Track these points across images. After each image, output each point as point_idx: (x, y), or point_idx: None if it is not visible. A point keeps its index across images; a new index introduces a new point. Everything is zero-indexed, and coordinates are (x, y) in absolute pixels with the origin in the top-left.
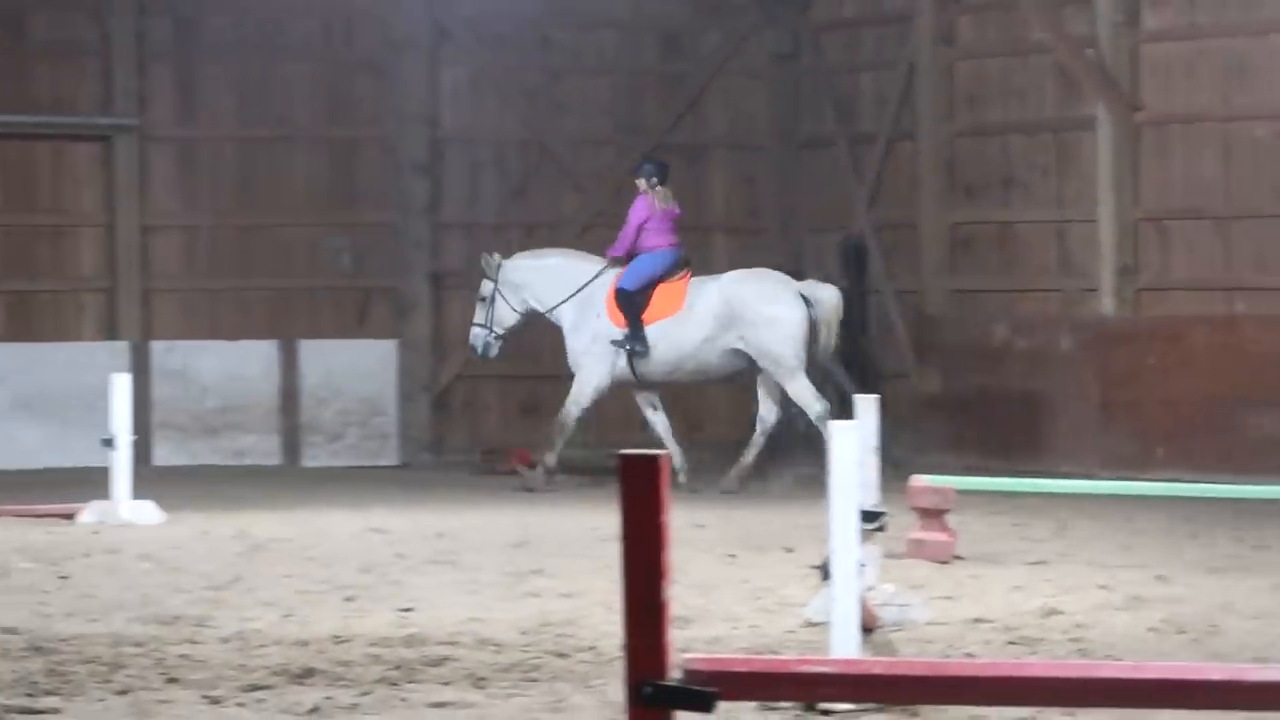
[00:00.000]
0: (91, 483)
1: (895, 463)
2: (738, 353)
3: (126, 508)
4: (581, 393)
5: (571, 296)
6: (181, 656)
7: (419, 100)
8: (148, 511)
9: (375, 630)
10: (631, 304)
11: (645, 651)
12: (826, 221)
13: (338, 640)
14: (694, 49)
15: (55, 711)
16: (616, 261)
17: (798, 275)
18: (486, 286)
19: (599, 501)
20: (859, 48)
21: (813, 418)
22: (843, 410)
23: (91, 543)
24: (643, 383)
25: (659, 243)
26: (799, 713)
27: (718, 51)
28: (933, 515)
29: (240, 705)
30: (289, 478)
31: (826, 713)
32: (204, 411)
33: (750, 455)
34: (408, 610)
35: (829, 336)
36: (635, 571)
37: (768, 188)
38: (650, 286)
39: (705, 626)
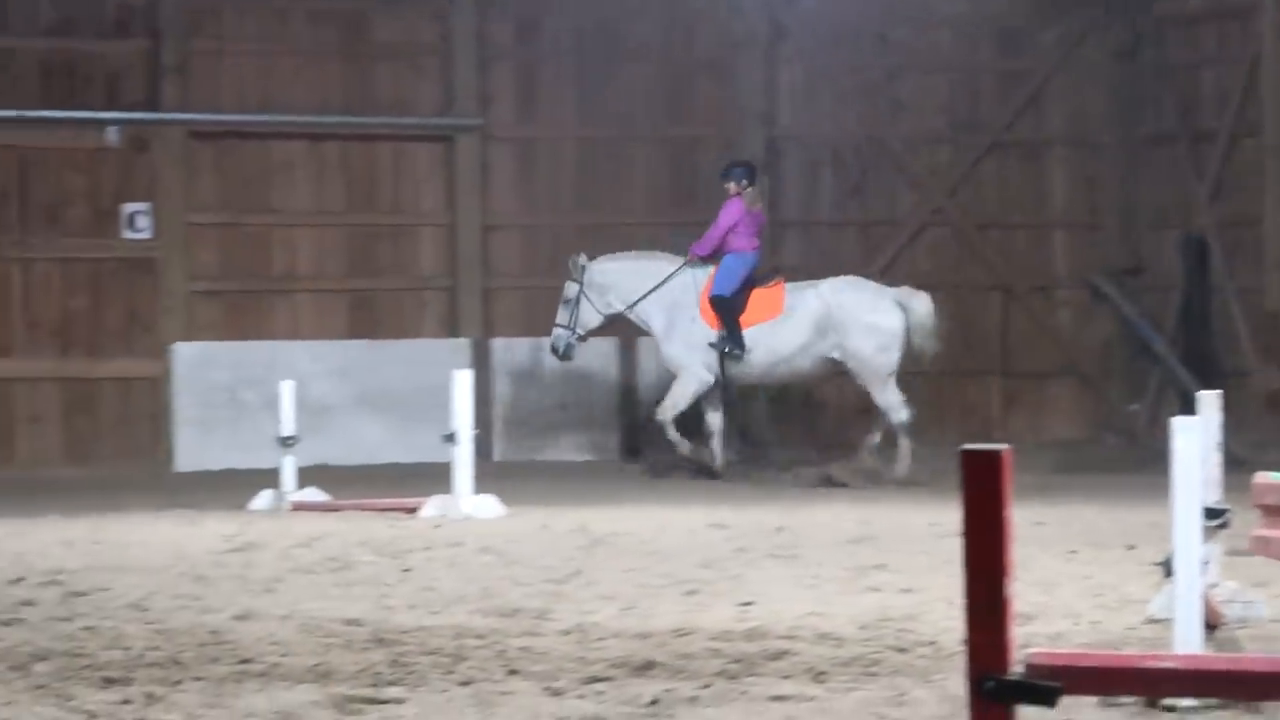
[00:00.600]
0: (433, 477)
1: (1238, 460)
2: (830, 359)
3: (468, 502)
4: (683, 395)
5: (653, 291)
6: (522, 649)
7: (756, 99)
8: (489, 506)
9: (715, 624)
10: (729, 307)
11: (987, 646)
12: (1167, 219)
13: (678, 634)
14: (1032, 45)
15: (399, 701)
16: (700, 260)
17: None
18: (571, 288)
19: (940, 497)
20: (1201, 42)
21: (896, 424)
22: (1185, 408)
23: (433, 536)
24: (730, 385)
25: (746, 245)
26: (1140, 709)
27: (1056, 48)
28: (1276, 513)
29: (580, 697)
30: (628, 473)
31: (1169, 709)
32: (544, 408)
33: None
34: (748, 604)
35: (923, 343)
36: (977, 567)
37: (1107, 185)
38: (745, 289)
39: (1046, 623)
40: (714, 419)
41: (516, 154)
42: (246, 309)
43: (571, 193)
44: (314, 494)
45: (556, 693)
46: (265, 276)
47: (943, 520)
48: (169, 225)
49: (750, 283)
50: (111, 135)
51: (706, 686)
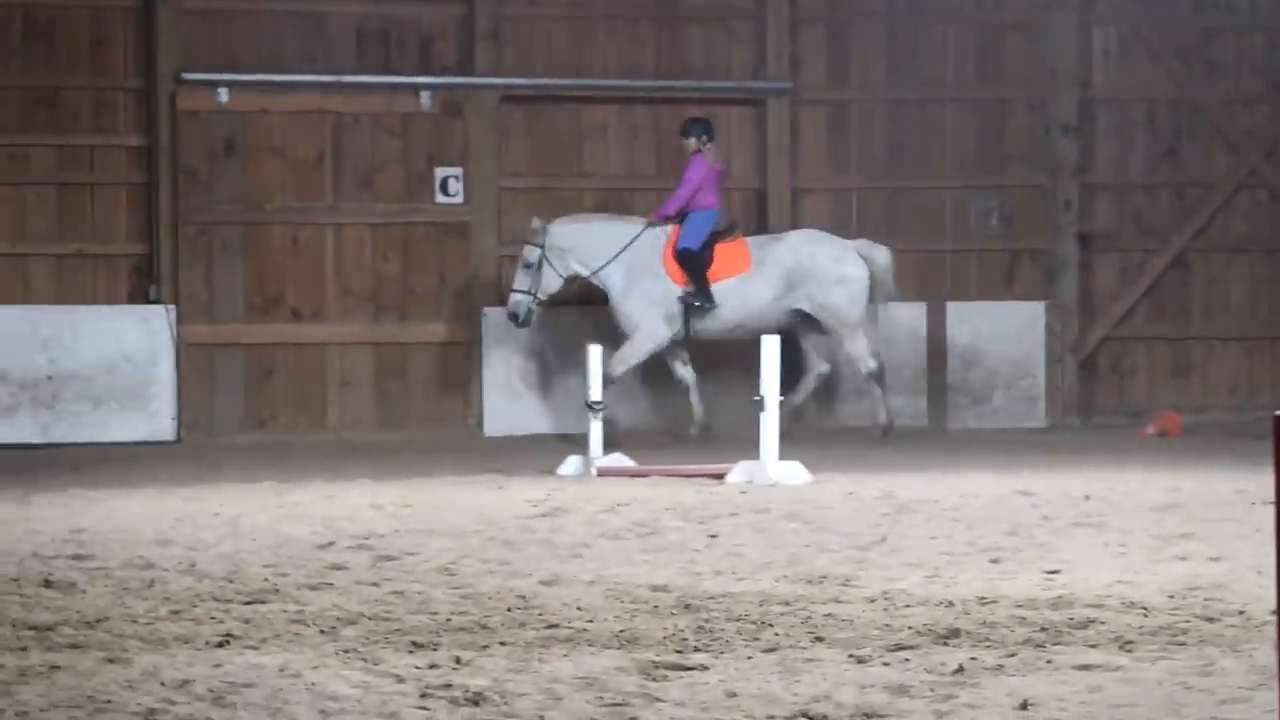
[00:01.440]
0: (740, 443)
1: None
2: (798, 312)
3: (774, 468)
4: (636, 351)
5: (616, 257)
6: (827, 615)
7: (1069, 60)
8: (795, 472)
9: (1021, 592)
10: (697, 261)
11: None
12: None
13: (983, 601)
14: None
15: (704, 668)
16: (660, 221)
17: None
18: (533, 253)
19: (1250, 463)
20: None
21: (865, 372)
22: None
23: (739, 502)
24: (696, 340)
25: (712, 201)
26: None
27: None
28: None
29: (885, 665)
30: (935, 440)
31: None
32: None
33: (800, 398)
34: (1054, 573)
35: (884, 294)
36: None
37: None
38: (709, 244)
39: None
40: (686, 373)
41: (827, 117)
42: None
43: (881, 156)
44: (620, 459)
45: (861, 660)
46: None
47: (1250, 487)
48: (481, 190)
49: (713, 238)
50: (425, 100)
51: (1012, 655)
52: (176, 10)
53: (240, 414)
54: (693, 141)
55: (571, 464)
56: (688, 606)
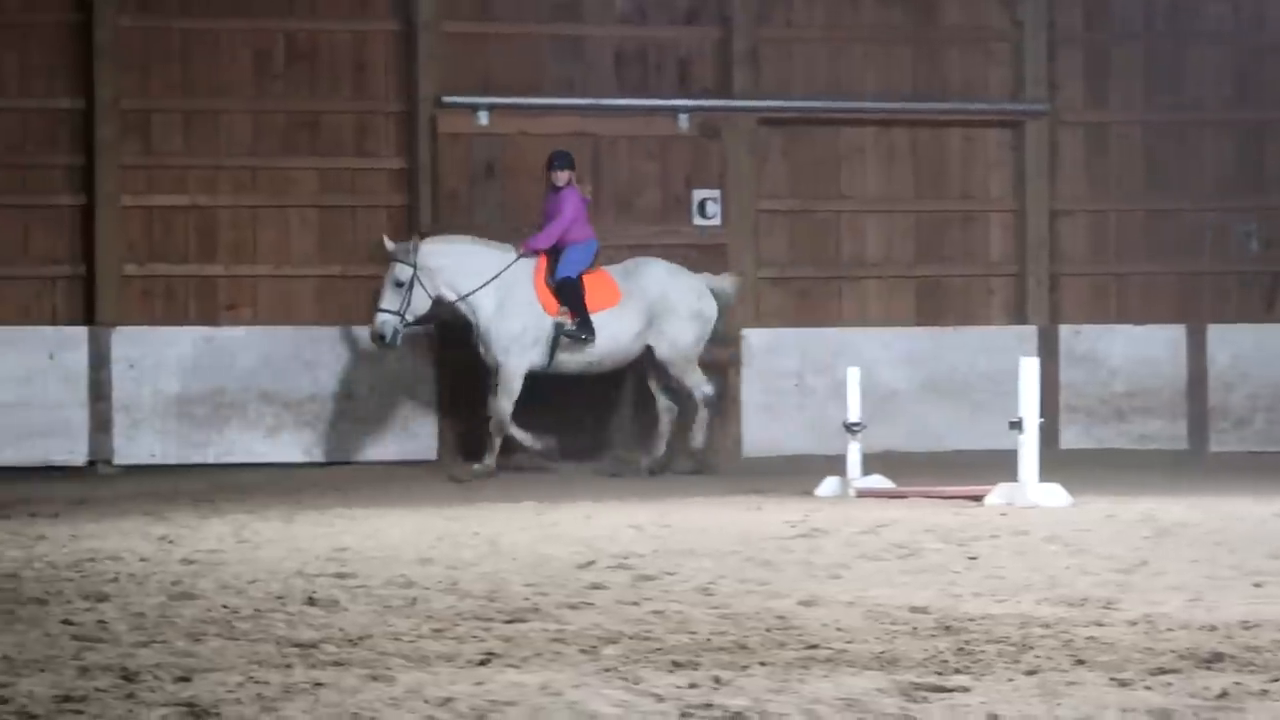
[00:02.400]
0: (998, 465)
1: None
2: (647, 346)
3: (1034, 490)
4: (510, 385)
5: (487, 284)
6: (1089, 639)
7: None
8: (1055, 494)
9: None
10: (578, 292)
11: None
12: None
13: (1246, 626)
14: None
15: (964, 690)
16: (531, 254)
17: None
18: (404, 271)
19: None
20: None
21: (700, 398)
22: None
23: (999, 524)
24: (555, 372)
25: (588, 232)
26: None
27: None
28: None
29: (1148, 689)
30: (1194, 463)
31: None
32: (1111, 395)
33: (664, 442)
34: None
35: (720, 326)
36: None
37: None
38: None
39: None
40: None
41: (1085, 139)
42: (814, 295)
43: (1140, 178)
44: (879, 481)
45: (1123, 683)
46: (833, 263)
47: None
48: (739, 211)
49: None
50: (683, 122)
51: (1276, 680)
52: (437, 34)
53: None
54: (565, 175)
55: (829, 485)
56: (948, 628)
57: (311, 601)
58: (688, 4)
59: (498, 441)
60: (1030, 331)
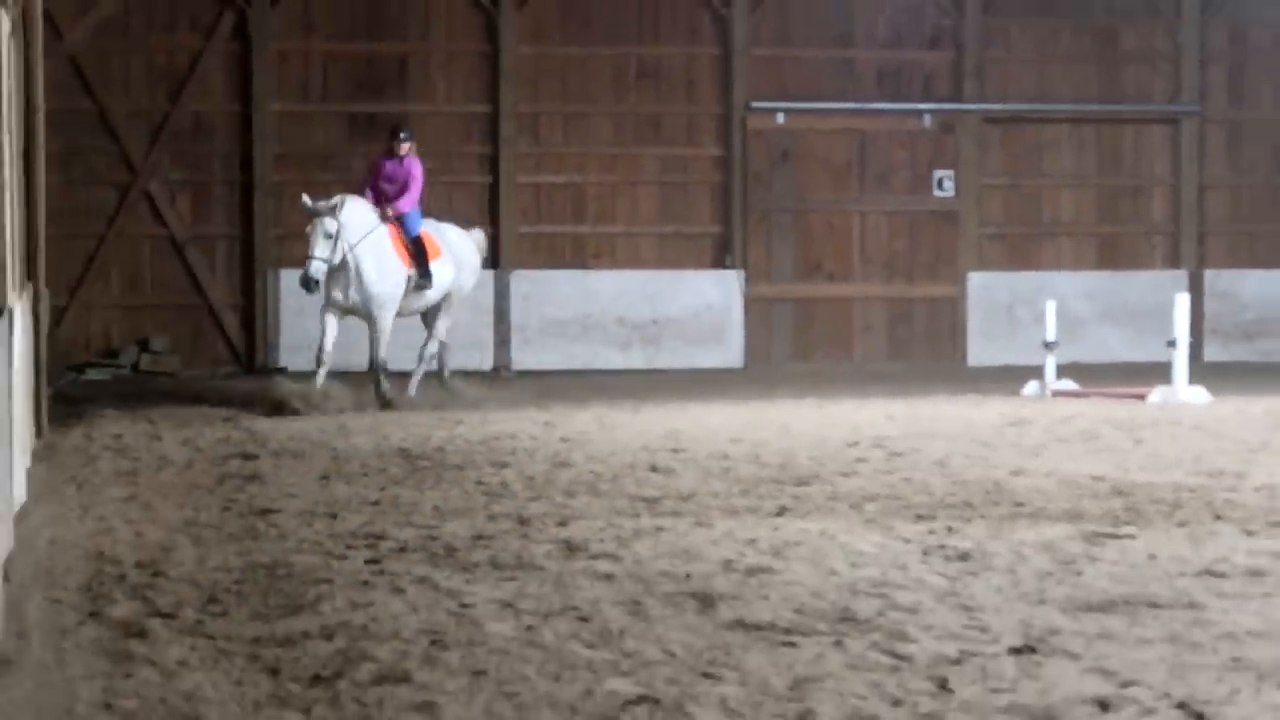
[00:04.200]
0: (1158, 373)
1: None
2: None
3: (1184, 391)
4: (388, 329)
5: (365, 238)
6: (1225, 500)
7: None
8: (1199, 394)
9: None
10: (422, 248)
11: None
12: None
13: None
14: None
15: (1131, 537)
16: (396, 214)
17: None
18: (332, 225)
19: None
20: None
21: (444, 337)
22: None
23: (1157, 416)
24: (400, 316)
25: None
26: None
27: None
28: None
29: (1269, 537)
30: None
31: None
32: (1243, 322)
33: (421, 371)
34: None
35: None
36: None
37: None
38: None
39: None
40: (331, 341)
41: (1226, 132)
42: (1022, 248)
43: (1267, 161)
44: (1069, 384)
45: (1250, 534)
46: (1037, 224)
47: None
48: (967, 187)
49: None
50: (926, 121)
51: None
52: (748, 56)
53: (790, 349)
54: (408, 144)
55: (1032, 387)
56: (1119, 492)
57: (654, 469)
58: (931, 32)
59: (385, 379)
60: (1182, 275)
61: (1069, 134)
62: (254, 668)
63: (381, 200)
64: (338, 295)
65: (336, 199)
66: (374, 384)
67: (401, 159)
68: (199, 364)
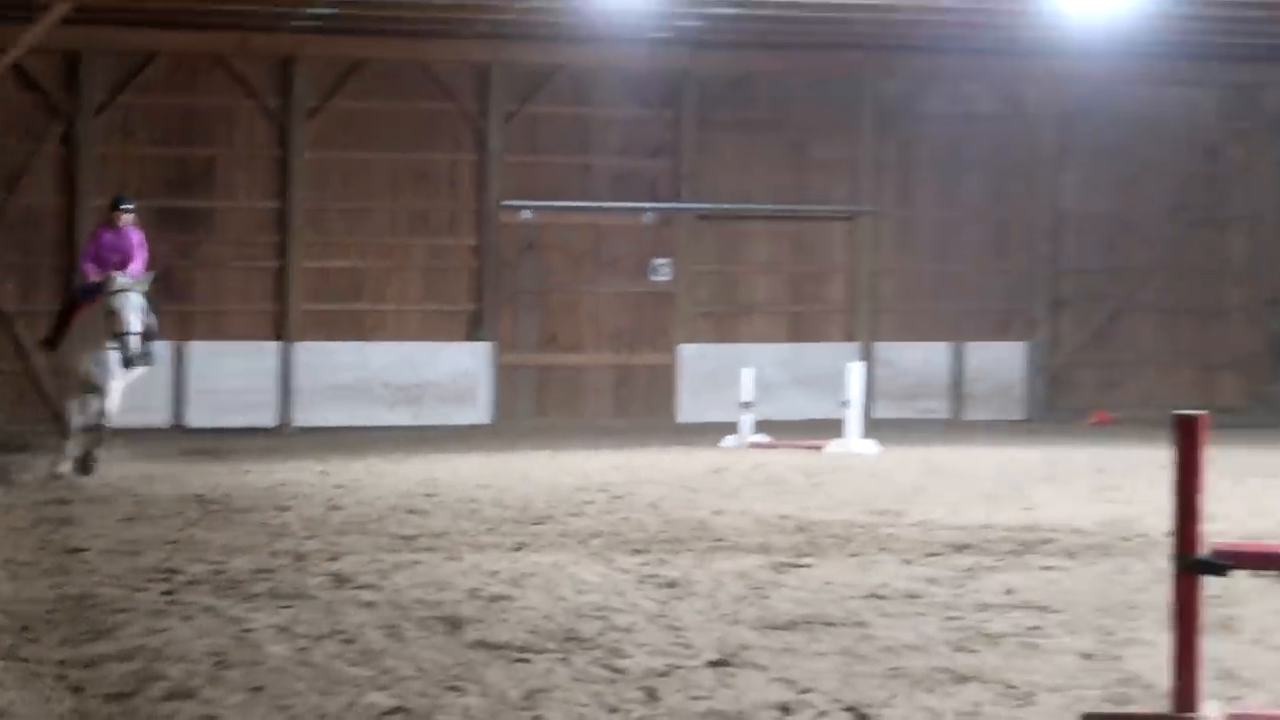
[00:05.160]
0: (836, 428)
1: None
2: None
3: (855, 443)
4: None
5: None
6: (888, 534)
7: (1048, 191)
8: (869, 446)
9: (1007, 521)
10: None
11: (1187, 537)
12: None
13: (984, 527)
14: (1225, 156)
15: (811, 565)
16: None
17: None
18: (140, 299)
19: (1153, 442)
20: None
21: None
22: None
23: (834, 464)
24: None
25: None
26: (1278, 578)
27: (1240, 157)
28: None
29: (923, 565)
30: (955, 427)
31: None
32: (905, 385)
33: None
34: (1029, 509)
35: None
36: (1182, 486)
37: (1268, 246)
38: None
39: (1215, 523)
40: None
41: (895, 226)
42: (725, 323)
43: (928, 252)
44: (762, 437)
45: (908, 562)
46: (737, 303)
47: (1153, 458)
48: (681, 272)
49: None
50: (648, 217)
51: (1001, 560)
52: (502, 162)
53: (531, 409)
54: (129, 216)
55: (731, 440)
56: (801, 528)
57: (412, 511)
58: (654, 144)
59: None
60: (857, 346)
61: (766, 228)
62: (60, 686)
63: (109, 269)
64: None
65: (144, 276)
66: (97, 445)
67: (120, 230)
68: (22, 423)
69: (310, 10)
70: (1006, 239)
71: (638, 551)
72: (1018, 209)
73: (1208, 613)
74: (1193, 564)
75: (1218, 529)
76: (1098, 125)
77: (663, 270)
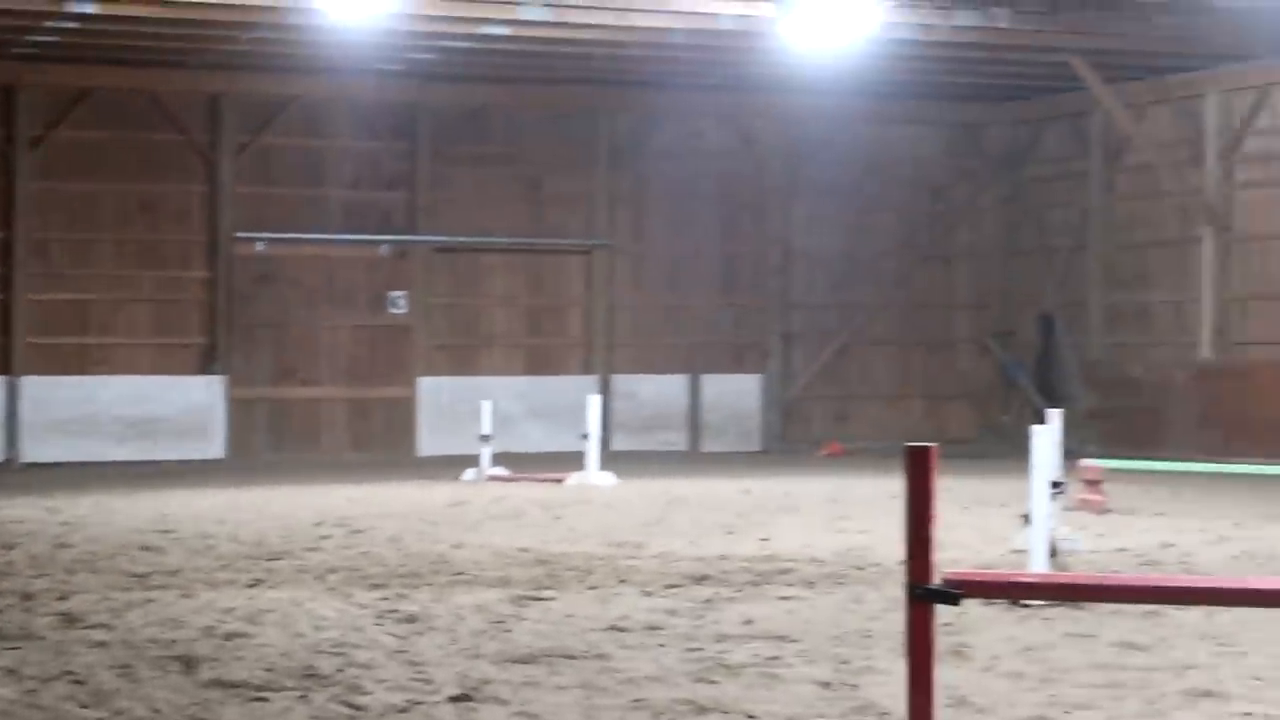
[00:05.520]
0: (575, 461)
1: (1070, 452)
2: None
3: (594, 475)
4: None
5: None
6: (628, 566)
7: (778, 227)
8: (608, 478)
9: (746, 552)
10: None
11: (919, 567)
12: (1030, 302)
13: (722, 558)
14: (950, 194)
15: (552, 599)
16: None
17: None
18: None
19: (887, 473)
20: (1054, 193)
21: None
22: (1038, 418)
23: (574, 497)
24: None
25: None
26: (1008, 607)
27: (965, 196)
28: (1093, 484)
29: (663, 596)
30: (693, 459)
31: (1025, 607)
32: (643, 417)
33: None
34: (766, 540)
35: None
36: (914, 516)
37: (993, 281)
38: None
39: (948, 552)
40: None
41: (630, 262)
42: (464, 356)
43: (662, 285)
44: (501, 471)
45: (648, 594)
46: (476, 336)
47: (886, 488)
48: (418, 305)
49: None
50: (384, 250)
51: (740, 590)
52: (233, 193)
53: (267, 443)
54: None
55: (470, 474)
56: (542, 561)
57: (145, 548)
58: (390, 176)
59: None
60: (594, 379)
61: (503, 261)
62: None
63: None
64: None
65: None
66: None
67: None
68: None
69: (30, 38)
70: (738, 273)
71: (376, 586)
72: (748, 244)
73: (940, 641)
74: (925, 593)
75: (950, 557)
76: (826, 162)
77: (400, 303)
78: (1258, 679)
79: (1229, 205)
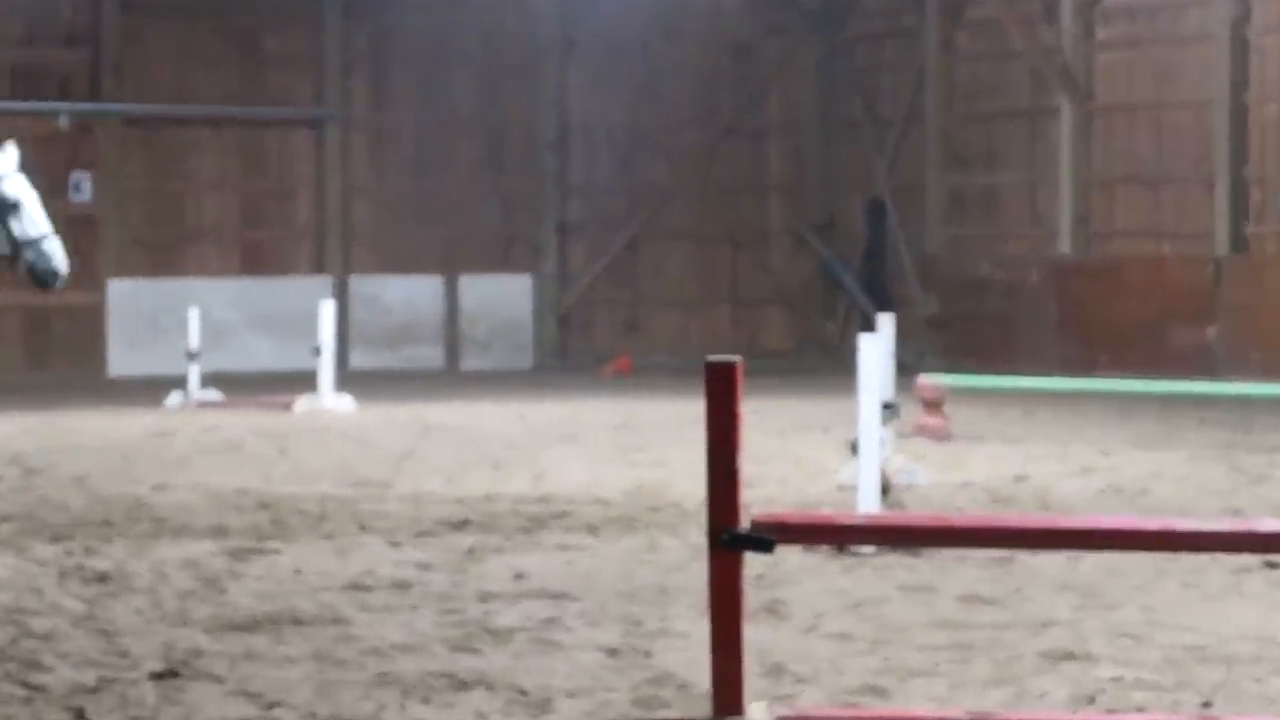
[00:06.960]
0: (305, 381)
1: (905, 366)
2: None
3: (329, 399)
4: None
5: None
6: (371, 511)
7: (552, 94)
8: (346, 402)
9: (516, 491)
10: None
11: (723, 508)
12: (855, 186)
13: (487, 499)
14: (758, 56)
15: (277, 552)
16: None
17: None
18: None
19: (685, 393)
20: (882, 54)
21: None
22: (866, 327)
23: (304, 425)
24: None
25: None
26: (833, 554)
27: (775, 57)
28: (933, 405)
29: (414, 548)
30: (450, 377)
31: (854, 554)
32: (388, 328)
33: None
34: (540, 477)
35: None
36: (716, 447)
37: (811, 160)
38: None
39: (761, 489)
40: None
41: (369, 137)
42: (166, 254)
43: (410, 166)
44: (214, 394)
45: (396, 544)
46: (180, 228)
47: (686, 411)
48: (106, 190)
49: None
50: (63, 121)
51: (509, 539)
52: None
53: None
54: None
55: (176, 398)
56: (264, 505)
57: None
58: (68, 30)
59: None
60: (328, 281)
61: (211, 137)
62: None
63: None
64: None
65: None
66: None
67: None
68: None
69: None
70: (503, 151)
71: (59, 539)
72: (516, 116)
73: (751, 596)
74: (731, 539)
75: (763, 495)
76: (609, 16)
77: (83, 187)
78: (1127, 637)
79: (1089, 69)
